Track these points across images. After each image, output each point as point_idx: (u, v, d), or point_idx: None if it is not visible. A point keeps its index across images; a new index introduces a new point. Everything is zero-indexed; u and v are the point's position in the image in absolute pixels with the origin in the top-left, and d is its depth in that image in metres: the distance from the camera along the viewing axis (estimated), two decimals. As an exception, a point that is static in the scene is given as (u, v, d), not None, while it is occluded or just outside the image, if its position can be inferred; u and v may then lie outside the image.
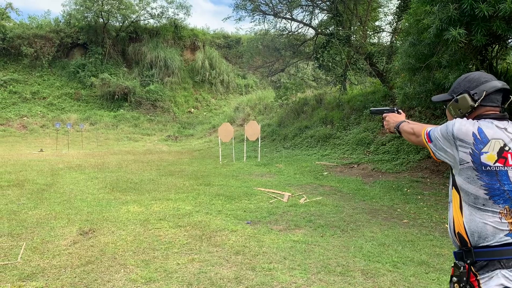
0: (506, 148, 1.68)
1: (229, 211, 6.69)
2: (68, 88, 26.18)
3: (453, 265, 1.82)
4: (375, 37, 15.82)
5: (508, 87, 1.83)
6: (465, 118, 1.81)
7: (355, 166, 11.00)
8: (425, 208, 7.07)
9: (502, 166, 1.67)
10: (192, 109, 27.65)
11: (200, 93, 29.00)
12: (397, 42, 13.72)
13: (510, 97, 1.86)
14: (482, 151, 1.68)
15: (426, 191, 8.32)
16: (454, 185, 1.81)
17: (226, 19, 30.51)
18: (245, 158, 13.31)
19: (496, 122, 1.76)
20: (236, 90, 30.23)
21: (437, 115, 11.09)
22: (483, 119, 1.79)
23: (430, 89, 8.00)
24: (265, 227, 5.80)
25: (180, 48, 30.50)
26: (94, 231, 5.44)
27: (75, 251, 4.68)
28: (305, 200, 7.51)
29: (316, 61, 15.54)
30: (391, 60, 13.63)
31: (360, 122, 13.36)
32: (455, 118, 1.86)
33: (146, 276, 4.01)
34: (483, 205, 1.69)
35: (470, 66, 8.03)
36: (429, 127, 1.93)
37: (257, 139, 13.65)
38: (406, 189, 8.54)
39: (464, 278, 1.75)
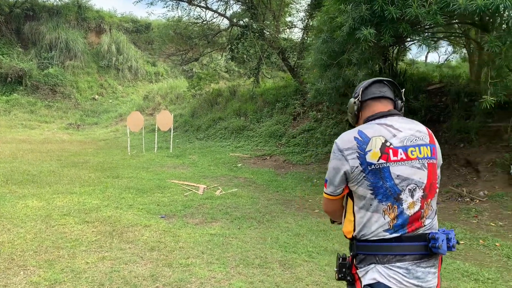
0: (388, 144, 1.71)
1: (141, 205, 6.38)
2: None
3: None
4: (288, 33, 16.23)
5: (382, 78, 1.94)
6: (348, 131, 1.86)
7: (268, 158, 11.22)
8: (334, 199, 7.43)
9: (385, 163, 1.69)
10: (97, 96, 25.93)
11: (105, 79, 27.26)
12: (308, 39, 14.23)
13: (402, 90, 1.97)
14: (366, 150, 1.70)
15: (334, 182, 8.75)
16: (349, 194, 1.84)
17: (138, 2, 28.69)
18: (156, 149, 12.84)
19: (380, 120, 1.81)
20: (145, 77, 28.95)
21: (343, 110, 11.71)
22: (366, 123, 1.84)
23: (340, 85, 8.40)
24: (181, 221, 5.63)
25: (84, 30, 28.31)
26: (-16, 230, 4.80)
27: (-39, 254, 4.08)
28: (220, 192, 7.45)
29: (230, 52, 15.48)
30: (302, 56, 14.08)
31: (272, 115, 13.63)
32: (353, 124, 1.98)
33: (51, 278, 3.63)
34: (370, 205, 1.72)
35: (376, 66, 8.60)
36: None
37: (169, 129, 13.25)
38: (315, 180, 8.91)
39: (343, 269, 1.81)
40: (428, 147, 1.78)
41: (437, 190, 1.83)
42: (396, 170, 1.71)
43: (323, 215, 6.34)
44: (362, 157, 1.72)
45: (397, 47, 11.09)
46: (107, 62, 27.67)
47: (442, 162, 1.91)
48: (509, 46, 5.38)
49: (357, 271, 1.78)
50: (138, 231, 5.07)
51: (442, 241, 1.66)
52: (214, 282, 3.76)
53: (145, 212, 5.97)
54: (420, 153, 1.75)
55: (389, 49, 10.84)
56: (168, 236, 4.95)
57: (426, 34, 7.22)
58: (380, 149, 1.71)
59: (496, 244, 5.00)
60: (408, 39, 9.64)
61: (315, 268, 4.17)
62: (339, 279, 1.85)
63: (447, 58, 14.78)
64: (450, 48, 13.68)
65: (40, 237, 4.65)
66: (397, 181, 1.71)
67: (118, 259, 4.16)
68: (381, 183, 1.71)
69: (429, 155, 1.77)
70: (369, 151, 1.72)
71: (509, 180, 7.16)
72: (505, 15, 6.33)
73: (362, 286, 1.76)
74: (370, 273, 1.72)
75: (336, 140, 1.83)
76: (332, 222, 2.18)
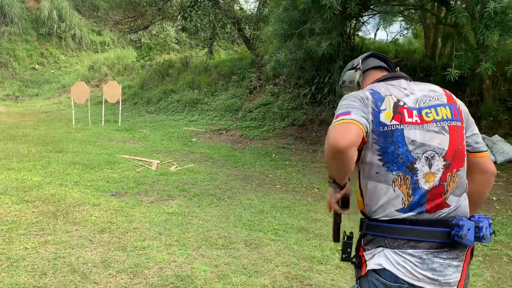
0: (401, 103, 1.49)
1: (89, 181, 5.83)
2: None
3: None
4: (242, 3, 15.62)
5: (376, 53, 1.83)
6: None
7: (224, 132, 10.83)
8: (294, 174, 7.24)
9: (398, 124, 1.46)
10: (37, 66, 24.11)
11: (46, 47, 25.36)
12: (265, 9, 13.76)
13: (397, 68, 1.78)
14: (381, 108, 1.47)
15: (292, 157, 8.56)
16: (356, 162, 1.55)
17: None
18: (103, 122, 12.03)
19: (388, 81, 1.61)
20: (90, 47, 27.23)
21: (301, 85, 11.48)
22: (375, 83, 1.63)
23: (301, 57, 8.11)
24: (134, 199, 5.17)
25: (21, -7, 26.02)
26: None
27: None
28: (176, 167, 7.00)
29: (183, 21, 14.66)
30: (258, 27, 13.62)
31: (228, 88, 13.15)
32: None
33: (-19, 269, 3.11)
34: (377, 173, 1.46)
35: (338, 37, 8.34)
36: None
37: (118, 101, 12.43)
38: (274, 155, 8.67)
39: (348, 250, 1.59)
40: (447, 107, 1.52)
41: (466, 159, 1.53)
42: (411, 134, 1.45)
43: (285, 191, 6.11)
44: (376, 115, 1.47)
45: (355, 21, 10.95)
46: (48, 30, 25.74)
47: (474, 124, 1.63)
48: (475, 17, 5.29)
49: (364, 253, 1.53)
50: (86, 211, 4.57)
51: (468, 229, 1.37)
52: (175, 266, 3.40)
53: (93, 190, 5.44)
54: (437, 114, 1.49)
55: (347, 23, 10.67)
56: (120, 216, 4.50)
57: (386, 6, 7.02)
58: (393, 108, 1.47)
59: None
60: (368, 12, 9.50)
61: (283, 247, 3.92)
62: (343, 259, 1.59)
63: (396, 35, 14.81)
64: (403, 24, 13.67)
65: (-32, 220, 4.05)
66: (411, 147, 1.44)
67: (63, 243, 3.68)
68: (392, 148, 1.44)
69: (449, 117, 1.51)
70: (384, 110, 1.47)
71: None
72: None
73: (366, 271, 1.50)
74: (377, 257, 1.47)
75: (349, 94, 1.59)
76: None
